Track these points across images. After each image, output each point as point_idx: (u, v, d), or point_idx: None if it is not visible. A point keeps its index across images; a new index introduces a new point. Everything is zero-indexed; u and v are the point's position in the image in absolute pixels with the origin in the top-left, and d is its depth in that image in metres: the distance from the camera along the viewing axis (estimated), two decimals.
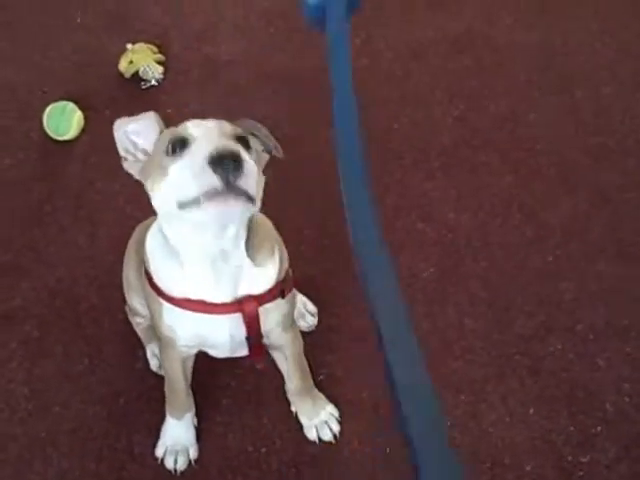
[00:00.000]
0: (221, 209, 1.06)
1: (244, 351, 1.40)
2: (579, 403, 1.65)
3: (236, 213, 1.11)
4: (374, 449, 1.61)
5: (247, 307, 1.28)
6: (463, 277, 1.89)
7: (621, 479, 1.55)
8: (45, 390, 1.71)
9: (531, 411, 1.65)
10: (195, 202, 1.06)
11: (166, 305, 1.31)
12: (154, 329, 1.51)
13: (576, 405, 1.65)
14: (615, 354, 1.73)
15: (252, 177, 1.08)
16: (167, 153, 1.12)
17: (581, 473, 1.56)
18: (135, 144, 1.21)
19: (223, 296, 1.27)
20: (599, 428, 1.62)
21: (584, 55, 2.50)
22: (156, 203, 1.17)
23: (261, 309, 1.30)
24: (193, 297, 1.27)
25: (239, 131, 1.17)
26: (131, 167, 1.23)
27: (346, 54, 0.95)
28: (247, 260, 1.27)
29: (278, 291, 1.33)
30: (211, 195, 1.04)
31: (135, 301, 1.63)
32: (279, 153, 1.26)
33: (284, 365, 1.57)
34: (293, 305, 1.48)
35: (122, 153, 1.22)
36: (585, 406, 1.65)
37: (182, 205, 1.08)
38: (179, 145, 1.11)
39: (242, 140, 1.16)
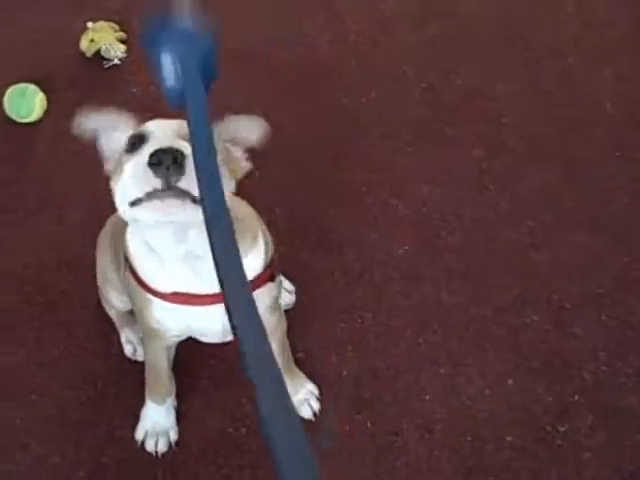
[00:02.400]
0: (160, 209, 1.04)
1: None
2: (557, 373, 1.67)
3: (178, 213, 1.05)
4: (355, 425, 1.61)
5: None
6: (438, 252, 1.89)
7: (599, 447, 1.57)
8: (19, 378, 1.68)
9: (510, 382, 1.66)
10: (139, 201, 1.04)
11: (155, 300, 1.28)
12: (130, 313, 1.48)
13: (554, 375, 1.67)
14: (591, 323, 1.75)
15: None
16: (127, 150, 1.10)
17: (560, 442, 1.58)
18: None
19: (209, 287, 1.23)
20: (577, 397, 1.64)
21: (549, 26, 2.50)
22: (115, 201, 1.12)
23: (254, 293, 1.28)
24: (182, 290, 1.24)
25: None
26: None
27: (210, 140, 0.92)
28: None
29: (268, 276, 1.31)
30: (151, 195, 1.02)
31: (111, 295, 1.60)
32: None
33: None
34: (280, 287, 1.46)
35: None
36: (562, 376, 1.67)
37: (131, 204, 1.05)
38: (138, 142, 1.09)
39: None
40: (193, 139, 0.92)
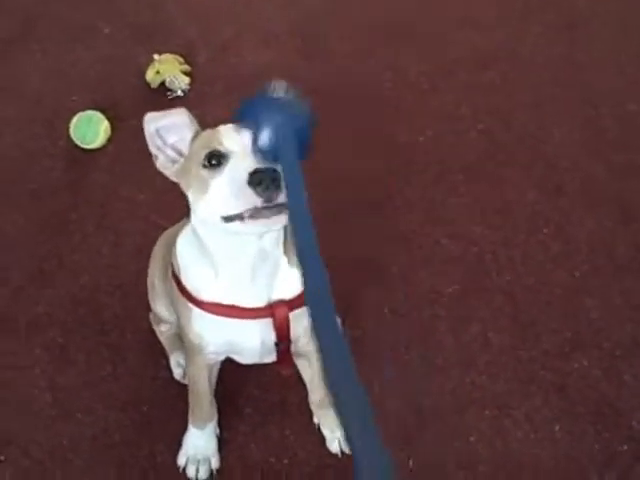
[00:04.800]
0: (264, 225, 1.11)
1: (272, 357, 1.40)
2: (605, 420, 1.64)
3: (280, 224, 1.13)
4: (397, 462, 1.60)
5: (278, 312, 1.29)
6: (487, 292, 1.88)
7: None
8: (68, 397, 1.71)
9: (556, 428, 1.63)
10: (239, 218, 1.09)
11: (196, 310, 1.31)
12: (179, 337, 1.51)
13: (602, 423, 1.63)
14: None
15: None
16: (205, 166, 1.14)
17: None
18: (165, 140, 1.22)
19: (257, 300, 1.27)
20: (625, 447, 1.60)
21: (609, 71, 2.49)
22: (198, 213, 1.19)
23: (291, 315, 1.30)
24: (225, 302, 1.27)
25: None
26: (164, 167, 1.23)
27: (304, 202, 0.98)
28: (284, 259, 1.28)
29: None
30: (253, 213, 1.08)
31: (160, 307, 1.64)
32: None
33: (308, 374, 1.57)
34: None
35: (153, 151, 1.22)
36: (611, 424, 1.63)
37: (226, 219, 1.11)
38: (216, 159, 1.13)
39: None
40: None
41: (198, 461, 1.57)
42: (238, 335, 1.34)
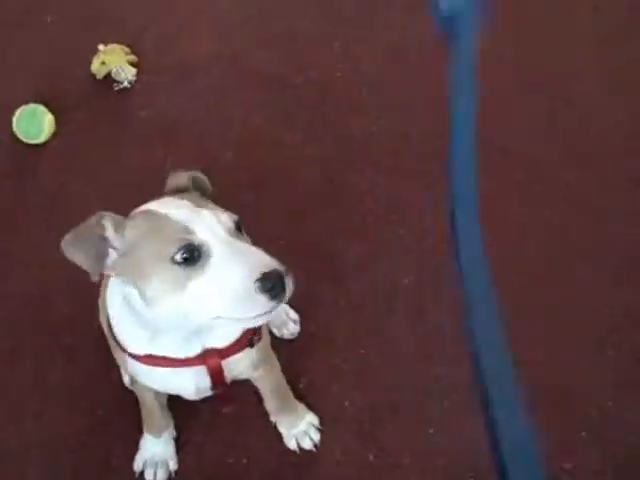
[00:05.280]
0: (265, 319, 1.10)
1: (211, 393, 1.37)
2: (564, 408, 1.65)
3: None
4: (357, 457, 1.59)
5: (210, 361, 1.25)
6: (443, 283, 1.87)
7: None
8: (18, 401, 1.66)
9: None
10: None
11: (129, 359, 1.26)
12: None
13: (561, 411, 1.64)
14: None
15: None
16: (176, 262, 1.04)
17: None
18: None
19: (188, 351, 1.23)
20: (583, 434, 1.61)
21: (590, 80, 2.43)
22: (161, 307, 1.07)
23: (224, 362, 1.27)
24: (155, 353, 1.22)
25: (235, 217, 1.13)
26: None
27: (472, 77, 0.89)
28: None
29: (246, 341, 1.28)
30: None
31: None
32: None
33: (260, 387, 1.54)
34: (266, 347, 1.42)
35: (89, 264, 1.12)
36: (570, 412, 1.64)
37: (219, 318, 1.07)
38: (189, 252, 1.04)
39: (238, 224, 1.13)
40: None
41: (156, 464, 1.55)
42: (171, 381, 1.31)
